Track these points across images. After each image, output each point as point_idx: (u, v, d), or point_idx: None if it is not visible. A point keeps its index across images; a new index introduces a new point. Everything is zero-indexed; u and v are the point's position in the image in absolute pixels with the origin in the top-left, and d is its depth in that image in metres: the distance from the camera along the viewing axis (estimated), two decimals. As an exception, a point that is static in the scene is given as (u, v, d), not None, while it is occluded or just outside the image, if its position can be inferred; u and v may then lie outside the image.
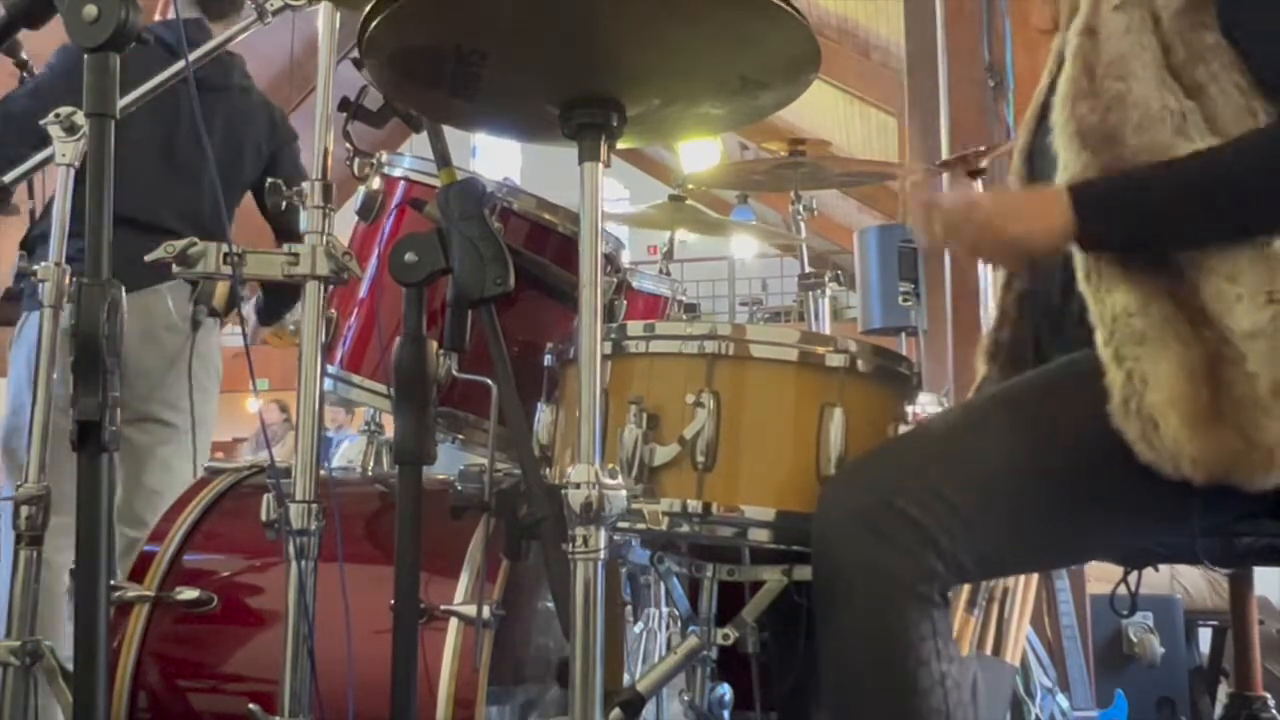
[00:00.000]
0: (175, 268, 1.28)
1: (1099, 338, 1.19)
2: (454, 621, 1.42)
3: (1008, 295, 1.48)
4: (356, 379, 1.66)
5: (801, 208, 2.70)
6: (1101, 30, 1.25)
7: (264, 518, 1.29)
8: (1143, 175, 1.21)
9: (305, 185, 1.35)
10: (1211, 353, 1.14)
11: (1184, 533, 1.23)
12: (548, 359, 1.45)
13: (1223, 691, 2.91)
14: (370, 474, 1.82)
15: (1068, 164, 1.25)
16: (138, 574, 1.56)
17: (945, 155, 3.40)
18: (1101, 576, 2.80)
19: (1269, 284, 1.15)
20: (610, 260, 1.73)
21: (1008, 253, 1.28)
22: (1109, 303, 1.19)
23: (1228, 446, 1.12)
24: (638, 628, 2.88)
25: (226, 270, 1.29)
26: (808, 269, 2.67)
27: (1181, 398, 1.12)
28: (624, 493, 1.10)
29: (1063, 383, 1.22)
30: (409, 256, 1.32)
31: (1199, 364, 1.14)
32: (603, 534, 1.08)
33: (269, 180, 1.40)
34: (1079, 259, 1.23)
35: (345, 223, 1.51)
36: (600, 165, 1.15)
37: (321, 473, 1.34)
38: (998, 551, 1.21)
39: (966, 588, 2.14)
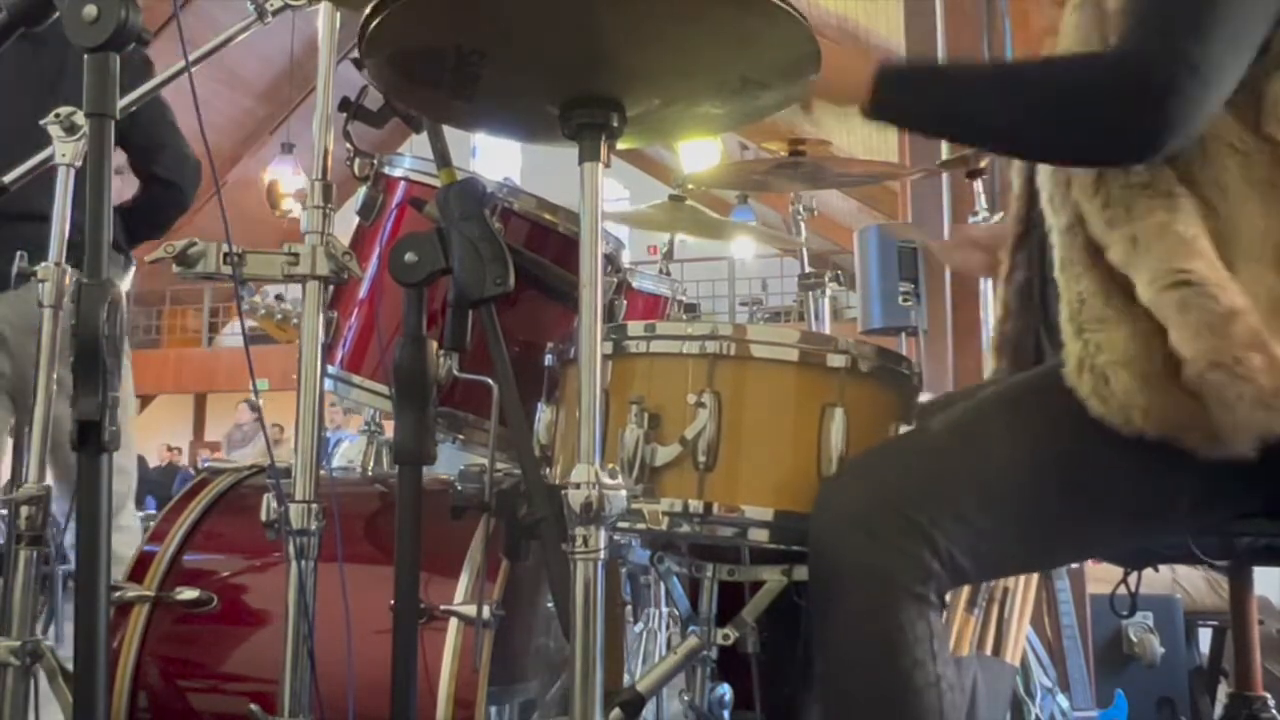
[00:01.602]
0: (176, 268, 1.28)
1: (1064, 316, 1.20)
2: (454, 621, 1.42)
3: (1009, 288, 1.49)
4: (356, 379, 1.66)
5: (801, 208, 2.70)
6: (1060, 31, 1.28)
7: (264, 518, 1.29)
8: (941, 66, 1.35)
9: (306, 185, 1.35)
10: (1162, 337, 1.14)
11: (1178, 531, 1.23)
12: (548, 359, 1.45)
13: (1223, 691, 2.91)
14: (370, 474, 1.82)
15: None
16: (138, 574, 1.56)
17: (945, 155, 3.40)
18: (1101, 576, 2.81)
19: (1170, 264, 1.14)
20: (610, 260, 1.73)
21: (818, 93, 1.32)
22: (1076, 289, 1.20)
23: (1182, 407, 1.11)
24: (638, 628, 2.89)
25: (226, 270, 1.29)
26: (808, 269, 2.67)
27: (1134, 359, 1.13)
28: (624, 493, 1.10)
29: (1057, 383, 1.23)
30: (409, 256, 1.32)
31: (1154, 338, 1.14)
32: (603, 534, 1.08)
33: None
34: (1056, 249, 1.25)
35: (345, 223, 1.51)
36: (600, 165, 1.15)
37: (321, 473, 1.34)
38: (995, 551, 1.21)
39: (966, 588, 2.14)
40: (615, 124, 1.16)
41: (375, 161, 1.67)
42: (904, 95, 1.29)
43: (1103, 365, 1.14)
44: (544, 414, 1.44)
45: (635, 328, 1.36)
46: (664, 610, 2.95)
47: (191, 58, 1.57)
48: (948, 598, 1.19)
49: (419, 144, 1.57)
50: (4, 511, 1.55)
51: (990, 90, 1.26)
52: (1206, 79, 1.13)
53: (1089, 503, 1.21)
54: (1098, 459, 1.18)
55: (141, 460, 10.92)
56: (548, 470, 1.40)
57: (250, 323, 2.45)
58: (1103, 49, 1.22)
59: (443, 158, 1.48)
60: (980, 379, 1.61)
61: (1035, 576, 2.36)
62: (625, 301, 1.79)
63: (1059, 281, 1.23)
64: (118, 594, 1.52)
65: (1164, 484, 1.17)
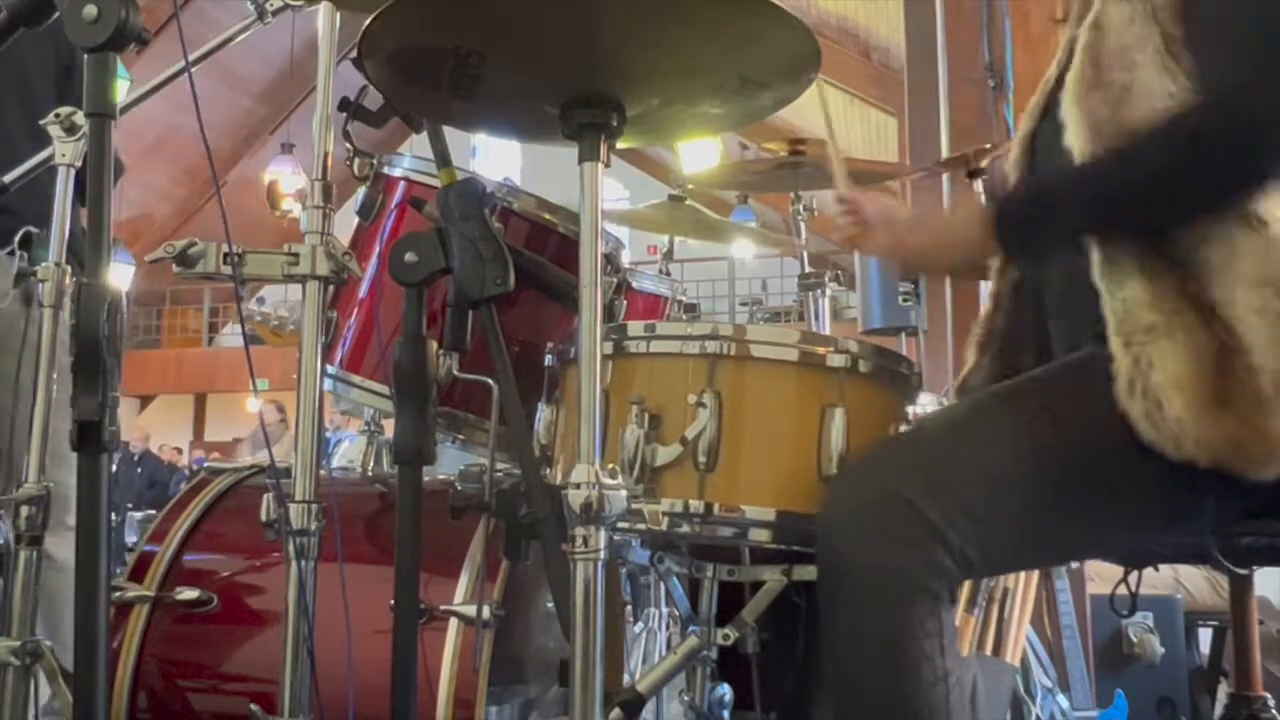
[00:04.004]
0: (176, 268, 1.28)
1: (1110, 326, 1.19)
2: (454, 621, 1.42)
3: (1002, 283, 1.47)
4: (356, 379, 1.66)
5: (801, 208, 2.70)
6: (1105, 22, 1.27)
7: (264, 518, 1.29)
8: (1053, 190, 1.31)
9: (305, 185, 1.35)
10: (1219, 344, 1.15)
11: (1191, 530, 1.23)
12: (548, 359, 1.45)
13: (1223, 691, 2.91)
14: (370, 474, 1.82)
15: (1084, 157, 1.25)
16: (138, 574, 1.56)
17: (945, 155, 3.40)
18: (1101, 576, 2.80)
19: (1271, 275, 1.15)
20: (610, 260, 1.73)
21: (907, 261, 1.33)
22: (1120, 295, 1.19)
23: (1232, 433, 1.12)
24: (638, 628, 2.89)
25: (226, 270, 1.29)
26: (808, 269, 2.66)
27: (1188, 381, 1.13)
28: (624, 493, 1.10)
29: (1070, 378, 1.22)
30: (409, 256, 1.32)
31: (1207, 353, 1.14)
32: (603, 534, 1.08)
33: None
34: (1094, 253, 1.24)
35: (345, 223, 1.51)
36: (600, 165, 1.15)
37: (321, 473, 1.34)
38: (1004, 546, 1.20)
39: (967, 588, 2.14)
40: (615, 124, 1.16)
41: (375, 161, 1.67)
42: (1028, 230, 1.30)
43: (1155, 388, 1.13)
44: (544, 414, 1.44)
45: (635, 328, 1.36)
46: (664, 610, 2.95)
47: (191, 58, 1.57)
48: (956, 593, 1.18)
49: (419, 144, 1.57)
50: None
51: (1112, 179, 1.24)
52: None
53: (1098, 505, 1.21)
54: (1109, 462, 1.18)
55: (150, 458, 10.92)
56: (548, 470, 1.40)
57: (259, 318, 2.45)
58: (1181, 62, 1.22)
59: (443, 158, 1.48)
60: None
61: (1035, 576, 2.36)
62: (625, 301, 1.79)
63: (1100, 287, 1.22)
64: (118, 594, 1.52)
65: (1175, 489, 1.17)
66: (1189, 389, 1.12)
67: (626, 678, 1.89)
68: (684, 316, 2.19)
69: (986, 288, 1.53)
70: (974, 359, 1.49)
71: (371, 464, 1.85)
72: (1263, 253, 1.16)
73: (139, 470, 10.35)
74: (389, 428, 1.51)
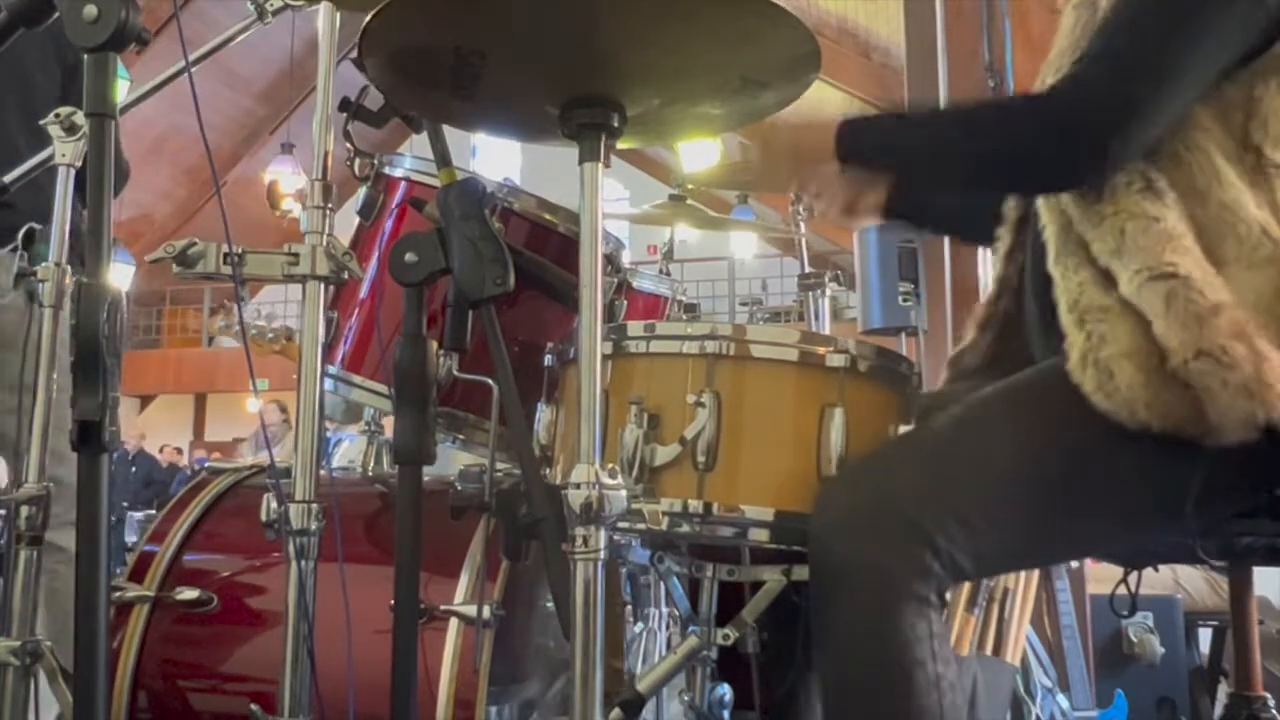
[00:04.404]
0: (176, 268, 1.28)
1: (1062, 307, 1.21)
2: (454, 621, 1.42)
3: (1009, 266, 1.47)
4: (357, 379, 1.66)
5: (801, 208, 2.70)
6: (1062, 19, 1.31)
7: (264, 518, 1.29)
8: (902, 121, 1.42)
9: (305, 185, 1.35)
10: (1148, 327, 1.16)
11: (1181, 530, 1.23)
12: (548, 359, 1.45)
13: (1223, 691, 2.91)
14: (370, 474, 1.82)
15: None
16: (138, 574, 1.56)
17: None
18: (1101, 576, 2.81)
19: (1152, 262, 1.16)
20: (610, 260, 1.73)
21: (787, 153, 1.43)
22: (1074, 280, 1.22)
23: (1183, 399, 1.13)
24: (638, 628, 2.88)
25: (226, 270, 1.29)
26: (808, 269, 2.66)
27: (1137, 352, 1.14)
28: (624, 493, 1.10)
29: (1061, 382, 1.23)
30: (409, 256, 1.32)
31: (1152, 331, 1.15)
32: (603, 534, 1.08)
33: None
34: (1050, 243, 1.25)
35: (346, 223, 1.51)
36: (600, 165, 1.15)
37: (321, 473, 1.34)
38: (995, 550, 1.21)
39: (966, 587, 2.14)
40: (615, 124, 1.16)
41: (375, 161, 1.68)
42: (869, 142, 1.35)
43: (1106, 359, 1.15)
44: (544, 414, 1.44)
45: (635, 328, 1.36)
46: (664, 610, 2.94)
47: (191, 58, 1.57)
48: (947, 596, 1.18)
49: (419, 144, 1.57)
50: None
51: (948, 135, 1.33)
52: (1150, 120, 1.18)
53: (1093, 501, 1.21)
54: (1101, 457, 1.19)
55: (144, 456, 10.92)
56: (548, 470, 1.40)
57: (236, 327, 2.42)
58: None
59: (443, 158, 1.47)
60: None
61: (1035, 576, 2.36)
62: (625, 301, 1.79)
63: (1054, 274, 1.24)
64: (118, 594, 1.52)
65: (1168, 480, 1.18)
66: (1137, 358, 1.14)
67: (626, 678, 1.88)
68: (684, 316, 2.19)
69: (989, 276, 1.55)
70: (972, 336, 1.49)
71: (371, 464, 1.85)
72: (1153, 248, 1.17)
73: (133, 469, 10.36)
74: (389, 428, 1.51)
